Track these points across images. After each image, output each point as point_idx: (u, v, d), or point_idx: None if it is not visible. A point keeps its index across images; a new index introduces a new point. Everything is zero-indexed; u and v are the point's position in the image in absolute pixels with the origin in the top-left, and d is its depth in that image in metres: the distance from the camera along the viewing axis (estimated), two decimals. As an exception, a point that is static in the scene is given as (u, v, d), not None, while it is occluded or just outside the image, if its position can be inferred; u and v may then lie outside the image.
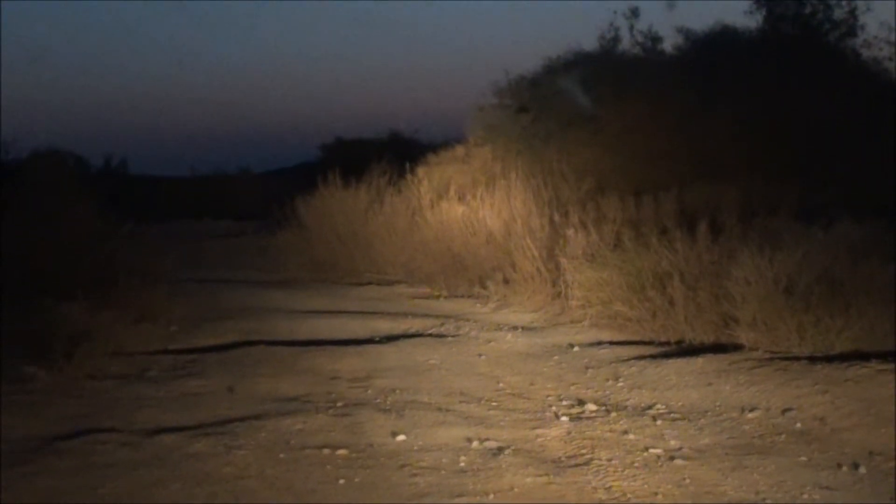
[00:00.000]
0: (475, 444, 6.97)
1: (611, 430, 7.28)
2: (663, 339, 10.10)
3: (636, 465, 6.52)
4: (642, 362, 9.28)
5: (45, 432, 7.24)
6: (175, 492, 6.04)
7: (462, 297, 13.65)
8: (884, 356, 8.45)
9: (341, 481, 6.25)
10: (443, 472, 6.43)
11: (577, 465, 6.53)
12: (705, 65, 17.05)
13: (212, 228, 23.41)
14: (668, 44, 19.58)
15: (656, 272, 10.53)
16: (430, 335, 10.91)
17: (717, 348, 9.49)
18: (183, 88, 60.78)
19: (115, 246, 12.26)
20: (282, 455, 6.76)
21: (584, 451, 6.80)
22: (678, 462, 6.54)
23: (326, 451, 6.82)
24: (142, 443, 6.96)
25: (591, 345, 10.21)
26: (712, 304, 9.87)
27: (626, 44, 19.87)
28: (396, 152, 19.69)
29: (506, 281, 13.07)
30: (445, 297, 13.81)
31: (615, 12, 19.77)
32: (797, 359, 8.84)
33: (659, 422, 7.46)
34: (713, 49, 17.97)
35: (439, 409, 7.88)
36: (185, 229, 22.44)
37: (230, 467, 6.49)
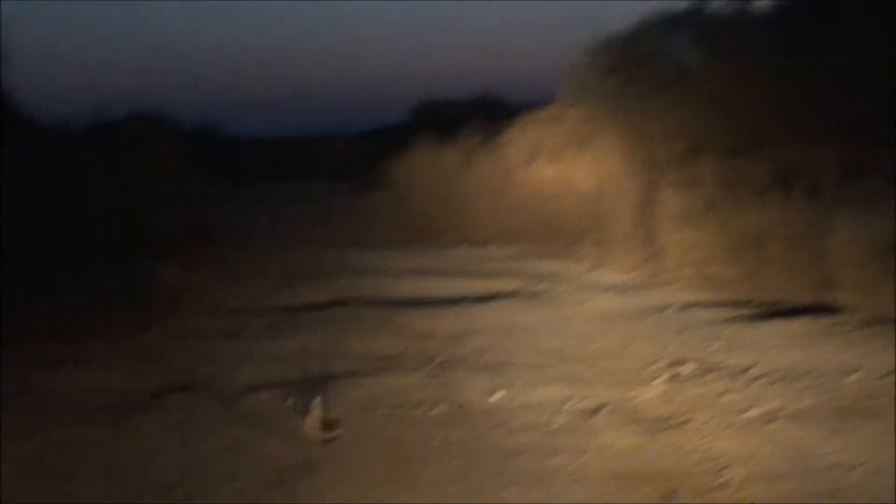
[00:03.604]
0: (571, 403, 6.94)
1: (708, 392, 7.20)
2: (760, 300, 9.97)
3: (733, 426, 6.44)
4: (739, 323, 9.18)
5: (148, 387, 7.36)
6: (273, 447, 6.10)
7: (556, 257, 13.60)
8: None
9: (438, 438, 6.26)
10: (538, 431, 6.42)
11: (673, 426, 6.47)
12: (803, 22, 16.70)
13: (305, 189, 23.54)
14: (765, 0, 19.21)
15: (753, 233, 10.40)
16: (524, 295, 10.90)
17: (816, 310, 9.35)
18: (276, 51, 61.10)
19: (210, 206, 12.39)
20: (378, 412, 6.79)
21: (680, 412, 6.73)
22: (776, 424, 6.45)
23: (423, 408, 6.84)
24: (240, 399, 7.04)
25: (687, 306, 10.11)
26: (810, 265, 9.73)
27: (721, 1, 19.53)
28: (487, 113, 19.63)
29: (600, 241, 13.01)
30: (539, 258, 13.76)
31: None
32: (897, 322, 8.69)
33: (756, 383, 7.36)
34: (812, 5, 17.58)
35: (534, 369, 7.86)
36: (278, 190, 22.61)
37: (328, 423, 6.54)
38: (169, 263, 10.08)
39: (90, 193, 10.89)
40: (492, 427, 6.50)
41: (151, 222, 10.76)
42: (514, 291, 11.11)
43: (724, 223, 10.74)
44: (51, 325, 8.78)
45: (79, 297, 9.00)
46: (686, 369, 7.79)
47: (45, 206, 10.45)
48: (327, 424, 6.35)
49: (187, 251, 10.59)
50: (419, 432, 6.40)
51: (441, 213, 16.37)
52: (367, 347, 8.61)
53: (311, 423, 6.38)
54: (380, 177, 17.91)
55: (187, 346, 8.71)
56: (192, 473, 5.66)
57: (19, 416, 6.61)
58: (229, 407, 6.81)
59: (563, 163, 15.49)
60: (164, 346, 8.69)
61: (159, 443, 6.17)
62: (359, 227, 16.92)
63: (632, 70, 16.93)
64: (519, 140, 17.06)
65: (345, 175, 23.87)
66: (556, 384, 7.42)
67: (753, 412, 6.67)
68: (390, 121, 33.70)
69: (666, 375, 7.64)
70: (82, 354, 8.27)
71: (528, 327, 9.38)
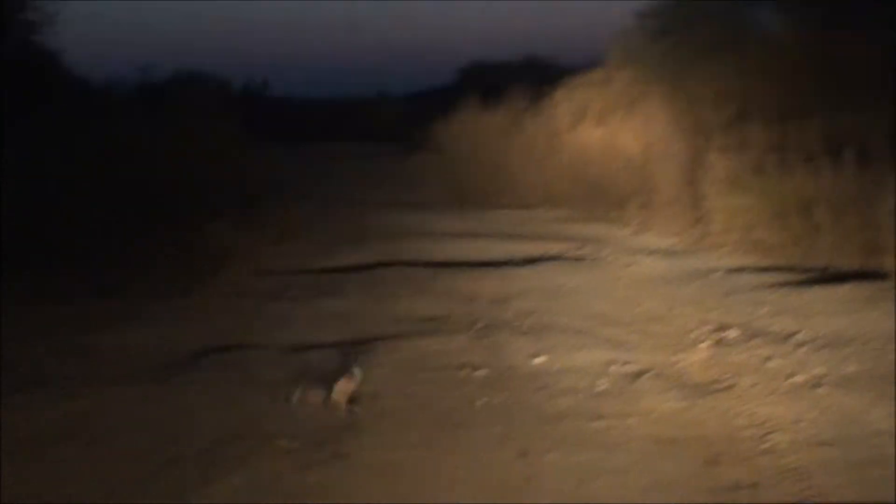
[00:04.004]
0: (614, 367, 6.93)
1: (753, 357, 7.16)
2: (807, 265, 9.90)
3: (779, 391, 6.41)
4: (785, 289, 9.12)
5: (194, 347, 7.41)
6: (317, 408, 6.13)
7: (601, 220, 13.56)
8: None
9: (481, 401, 6.28)
10: (581, 394, 6.41)
11: (718, 391, 6.45)
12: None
13: (351, 151, 23.58)
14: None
15: (801, 198, 10.31)
16: (569, 258, 10.88)
17: (863, 276, 9.27)
18: (323, 13, 61.16)
19: (256, 167, 12.43)
20: (421, 374, 6.81)
21: (725, 377, 6.70)
22: (822, 390, 6.41)
23: (466, 371, 6.85)
24: (285, 359, 7.07)
25: (733, 270, 10.06)
26: (858, 231, 9.64)
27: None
28: (534, 75, 19.55)
29: (645, 205, 12.95)
30: (584, 221, 13.72)
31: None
32: (946, 288, 8.61)
33: (802, 349, 7.32)
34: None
35: (578, 332, 7.85)
36: (324, 151, 22.65)
37: (370, 385, 6.55)
38: (215, 224, 10.12)
39: (138, 154, 10.95)
40: (535, 390, 6.50)
41: (198, 183, 10.79)
42: (558, 254, 11.09)
43: (771, 188, 10.66)
44: (97, 284, 8.85)
45: (125, 256, 9.06)
46: (731, 334, 7.75)
47: (93, 167, 10.52)
48: (352, 399, 6.32)
49: (234, 212, 10.61)
50: (462, 395, 6.41)
51: (487, 175, 16.35)
52: (411, 309, 8.62)
53: (338, 395, 6.35)
54: (426, 139, 17.89)
55: (232, 306, 8.76)
56: (236, 432, 5.71)
57: (63, 375, 6.67)
58: (276, 367, 6.84)
59: (610, 126, 15.43)
60: (210, 305, 8.74)
61: (204, 402, 6.22)
62: (404, 188, 16.93)
63: (681, 33, 16.79)
64: (566, 103, 16.99)
65: (391, 137, 23.89)
66: (599, 348, 7.41)
67: (799, 378, 6.64)
68: (437, 83, 33.70)
69: (710, 340, 7.62)
70: (128, 313, 8.34)
71: (572, 290, 9.37)
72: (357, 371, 6.49)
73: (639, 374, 6.76)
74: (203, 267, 9.19)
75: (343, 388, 6.31)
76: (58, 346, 7.39)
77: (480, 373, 6.82)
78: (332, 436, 5.66)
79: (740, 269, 10.07)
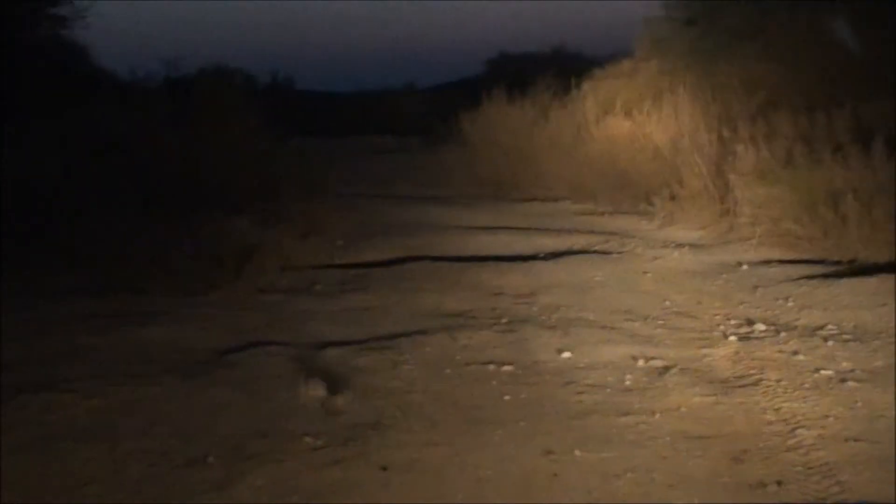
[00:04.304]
0: (641, 362, 6.91)
1: (780, 351, 7.13)
2: (835, 258, 9.83)
3: (806, 386, 6.38)
4: (813, 282, 9.06)
5: (217, 344, 7.42)
6: (342, 405, 6.13)
7: (627, 213, 13.51)
8: None
9: (507, 397, 6.27)
10: (608, 390, 6.40)
11: (745, 386, 6.42)
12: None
13: (376, 144, 23.60)
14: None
15: (829, 189, 10.23)
16: (595, 252, 10.84)
17: (892, 268, 9.19)
18: (350, 5, 61.17)
19: (281, 161, 12.44)
20: (447, 370, 6.80)
21: (752, 372, 6.68)
22: (850, 384, 6.37)
23: (492, 367, 6.84)
24: (310, 356, 7.07)
25: (760, 263, 10.00)
26: (887, 222, 9.57)
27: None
28: (561, 67, 19.50)
29: (672, 197, 12.89)
30: (611, 214, 13.68)
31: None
32: (977, 281, 8.53)
33: (830, 343, 7.27)
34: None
35: (604, 327, 7.83)
36: (349, 145, 22.67)
37: (396, 382, 6.56)
38: (240, 218, 10.14)
39: (163, 148, 10.98)
40: (561, 385, 6.49)
41: (223, 177, 10.81)
42: (585, 248, 11.06)
43: (800, 179, 10.59)
44: (121, 279, 8.88)
45: (149, 251, 9.08)
46: (758, 328, 7.72)
47: (119, 161, 10.55)
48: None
49: (259, 206, 10.63)
50: (488, 391, 6.41)
51: (513, 168, 16.32)
52: (438, 304, 8.61)
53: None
54: (452, 131, 17.87)
55: (257, 303, 8.77)
56: (261, 431, 5.71)
57: (85, 374, 6.68)
58: (299, 364, 6.85)
59: (638, 117, 15.37)
60: (234, 302, 8.75)
61: (227, 400, 6.22)
62: (430, 181, 16.90)
63: (708, 22, 16.73)
64: (593, 94, 16.95)
65: (417, 129, 23.84)
66: (626, 342, 7.39)
67: (826, 372, 6.60)
68: (464, 75, 33.63)
69: (737, 334, 7.58)
70: (151, 310, 8.35)
71: (598, 284, 9.34)
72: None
73: (665, 370, 6.74)
74: (227, 263, 9.19)
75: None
76: (78, 344, 7.40)
77: (506, 368, 6.81)
78: (357, 433, 5.66)
79: (768, 262, 10.01)
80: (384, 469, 5.15)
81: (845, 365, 6.74)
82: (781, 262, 9.99)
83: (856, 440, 5.45)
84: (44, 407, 6.06)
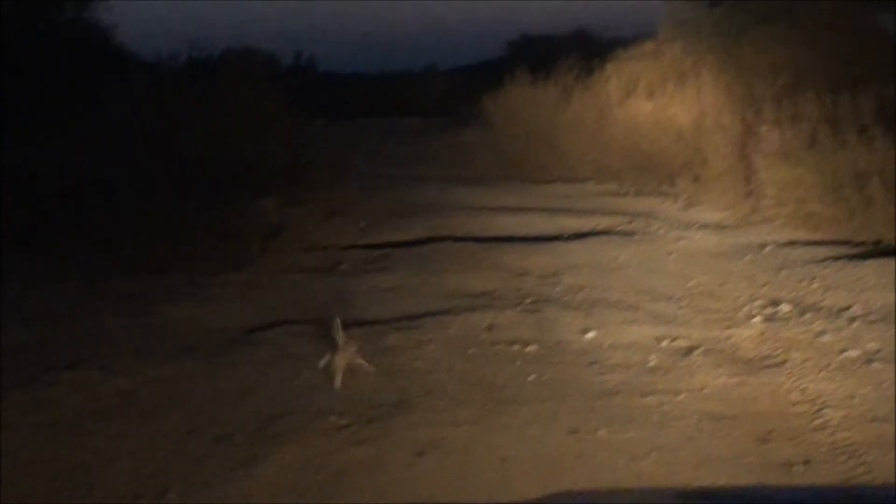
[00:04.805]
0: (665, 342, 6.90)
1: (805, 332, 7.11)
2: (860, 239, 9.78)
3: (832, 367, 6.36)
4: (838, 263, 9.02)
5: (243, 324, 7.45)
6: (367, 384, 6.15)
7: (651, 194, 13.45)
8: None
9: (531, 377, 6.27)
10: (632, 370, 6.39)
11: (770, 367, 6.41)
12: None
13: (399, 125, 23.55)
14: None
15: (854, 171, 10.17)
16: (619, 233, 10.81)
17: (917, 250, 9.16)
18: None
19: (305, 142, 12.44)
20: (471, 350, 6.81)
21: (777, 352, 6.66)
22: (876, 365, 6.35)
23: (516, 347, 6.84)
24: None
25: (785, 244, 9.96)
26: (913, 204, 9.52)
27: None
28: (583, 48, 19.40)
29: (696, 179, 12.83)
30: (634, 195, 13.64)
31: None
32: None
33: (856, 324, 7.24)
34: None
35: (628, 308, 7.81)
36: (372, 126, 22.63)
37: (420, 361, 6.57)
38: (265, 199, 10.15)
39: (188, 129, 10.99)
40: (585, 366, 6.49)
41: (248, 158, 10.81)
42: (608, 229, 11.03)
43: (824, 161, 10.52)
44: (148, 260, 8.91)
45: (176, 232, 9.11)
46: (783, 309, 7.69)
47: (144, 143, 10.57)
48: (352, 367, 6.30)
49: (283, 187, 10.63)
50: (513, 371, 6.41)
51: (536, 149, 16.25)
52: (462, 285, 8.61)
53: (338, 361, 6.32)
54: (475, 113, 17.82)
55: (283, 283, 8.79)
56: (286, 409, 5.74)
57: (113, 353, 6.72)
58: (324, 343, 6.86)
59: (661, 99, 15.30)
60: (260, 281, 8.78)
61: (253, 379, 6.26)
62: (454, 163, 16.85)
63: (732, 4, 16.63)
64: (616, 75, 16.87)
65: (440, 111, 23.78)
66: (650, 323, 7.38)
67: (851, 353, 6.58)
68: (486, 56, 33.53)
69: (762, 315, 7.56)
70: (177, 290, 8.40)
71: (622, 265, 9.32)
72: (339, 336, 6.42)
73: (690, 350, 6.73)
74: (252, 243, 9.22)
75: (342, 356, 6.28)
76: (105, 323, 7.45)
77: (531, 348, 6.82)
78: (382, 412, 5.68)
79: (792, 244, 9.97)
80: (419, 454, 5.15)
81: (871, 346, 6.71)
82: (806, 243, 9.95)
83: (882, 420, 5.44)
84: (72, 385, 6.11)
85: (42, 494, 4.73)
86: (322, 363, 6.27)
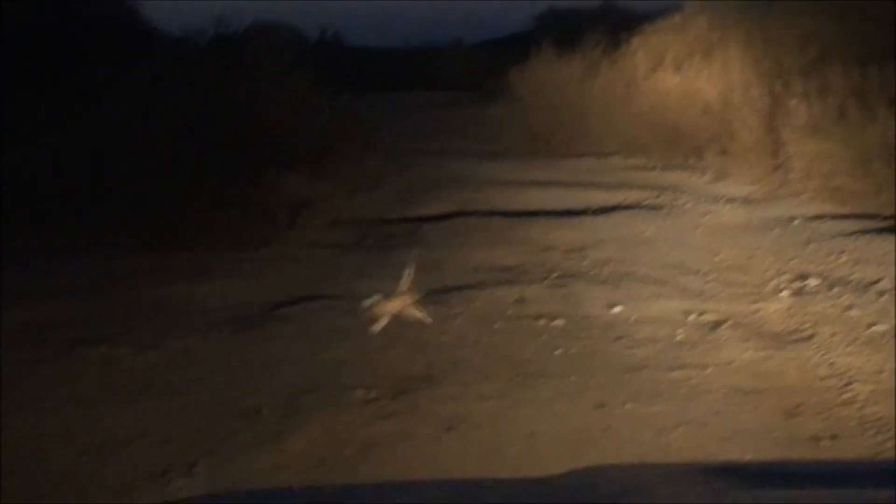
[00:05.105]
0: (692, 317, 6.88)
1: (833, 306, 7.08)
2: (889, 213, 9.71)
3: (860, 341, 6.33)
4: (867, 237, 8.97)
5: (269, 299, 7.47)
6: (394, 358, 6.16)
7: (678, 168, 13.41)
8: None
9: (557, 351, 6.27)
10: (659, 344, 6.38)
11: (797, 341, 6.38)
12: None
13: (426, 100, 23.52)
14: None
15: (883, 144, 10.11)
16: (646, 207, 10.78)
17: (946, 223, 9.10)
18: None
19: (331, 117, 12.43)
20: (498, 324, 6.81)
21: (805, 327, 6.63)
22: (904, 340, 6.32)
23: (542, 321, 6.84)
24: (362, 310, 7.09)
25: (813, 218, 9.91)
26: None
27: None
28: (610, 22, 19.33)
29: (723, 152, 12.78)
30: (661, 169, 13.59)
31: None
32: None
33: (884, 298, 7.20)
34: None
35: (655, 282, 7.79)
36: (398, 101, 22.62)
37: (447, 336, 6.57)
38: (291, 174, 10.16)
39: (213, 105, 11.00)
40: (612, 340, 6.48)
41: (274, 133, 10.82)
42: (636, 203, 11.00)
43: (852, 134, 10.46)
44: (175, 236, 8.94)
45: (201, 208, 9.14)
46: (811, 283, 7.66)
47: (171, 119, 10.59)
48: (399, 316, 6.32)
49: (310, 162, 10.63)
50: (539, 345, 6.41)
51: (563, 123, 16.21)
52: (488, 259, 8.61)
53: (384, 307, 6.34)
54: (501, 87, 17.80)
55: (309, 258, 8.81)
56: (314, 383, 5.75)
57: (142, 328, 6.76)
58: (351, 318, 6.88)
59: (688, 72, 15.23)
60: (286, 256, 8.80)
61: (280, 353, 6.27)
62: (480, 137, 16.83)
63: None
64: (643, 49, 16.80)
65: (466, 85, 23.76)
66: (677, 297, 7.36)
67: (880, 327, 6.55)
68: (513, 30, 33.44)
69: (790, 289, 7.53)
70: (204, 265, 8.42)
71: (649, 239, 9.30)
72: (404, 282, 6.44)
73: (717, 324, 6.71)
74: (279, 218, 9.24)
75: (397, 301, 6.30)
76: (133, 299, 7.48)
77: (557, 322, 6.81)
78: (409, 386, 5.69)
79: (820, 217, 9.92)
80: (447, 428, 5.16)
81: (899, 320, 6.68)
82: (834, 216, 9.89)
83: (910, 395, 5.42)
84: (100, 360, 6.14)
85: (70, 469, 4.76)
86: (367, 303, 6.28)
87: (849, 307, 7.01)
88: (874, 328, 6.53)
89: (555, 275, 8.06)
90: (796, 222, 9.79)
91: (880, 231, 9.14)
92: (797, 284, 7.65)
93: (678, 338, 6.49)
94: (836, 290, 7.45)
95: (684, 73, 15.31)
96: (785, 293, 7.43)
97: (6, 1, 12.97)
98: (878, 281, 7.61)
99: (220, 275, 8.15)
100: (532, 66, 17.36)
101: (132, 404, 5.48)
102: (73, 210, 9.45)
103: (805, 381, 5.69)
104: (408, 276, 6.39)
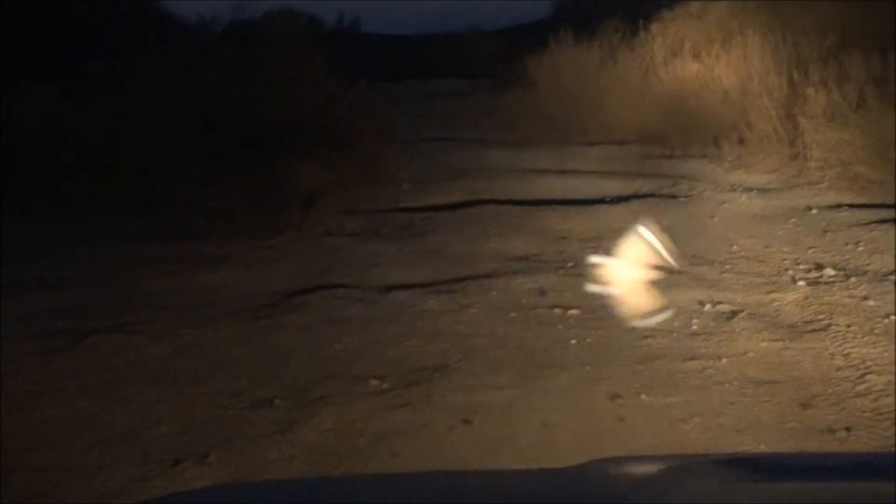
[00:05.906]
0: (708, 306, 6.86)
1: (850, 296, 7.04)
2: (906, 202, 9.66)
3: (876, 331, 6.30)
4: (884, 226, 8.92)
5: (283, 288, 7.47)
6: (408, 348, 6.16)
7: (695, 156, 13.35)
8: None
9: (573, 341, 6.26)
10: (674, 334, 6.36)
11: (813, 331, 6.36)
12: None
13: (442, 87, 23.47)
14: None
15: (901, 133, 10.05)
16: (662, 196, 10.73)
17: (964, 213, 9.05)
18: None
19: (348, 105, 12.41)
20: (513, 314, 6.80)
21: (821, 317, 6.60)
22: (921, 330, 6.29)
23: (558, 310, 6.83)
24: (376, 299, 7.10)
25: (830, 207, 9.85)
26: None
27: None
28: (628, 9, 19.27)
29: (741, 141, 12.72)
30: (678, 157, 13.54)
31: None
32: None
33: (901, 288, 7.17)
34: None
35: (671, 271, 7.76)
36: (415, 88, 22.58)
37: (462, 325, 6.57)
38: (306, 162, 10.16)
39: (228, 93, 11.00)
40: (628, 329, 6.46)
41: (288, 122, 10.82)
42: (652, 191, 10.94)
43: (871, 123, 10.40)
44: (187, 224, 8.95)
45: (215, 196, 9.15)
46: (827, 273, 7.62)
47: (184, 107, 10.59)
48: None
49: (324, 151, 10.63)
50: (554, 335, 6.40)
51: (580, 111, 16.15)
52: (503, 248, 8.59)
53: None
54: (519, 74, 17.74)
55: (323, 247, 8.80)
56: (327, 373, 5.76)
57: (154, 317, 6.76)
58: (366, 307, 6.88)
59: (706, 59, 15.16)
60: (300, 245, 8.79)
61: (294, 343, 6.28)
62: (496, 125, 16.78)
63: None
64: (661, 36, 16.74)
65: (483, 72, 23.69)
66: (693, 287, 7.33)
67: (896, 318, 6.52)
68: (530, 17, 33.36)
69: (806, 279, 7.49)
70: (218, 254, 8.43)
71: (665, 228, 9.24)
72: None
73: (733, 314, 6.69)
74: (293, 207, 9.24)
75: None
76: (146, 288, 7.50)
77: (572, 312, 6.79)
78: (423, 376, 5.68)
79: (837, 207, 9.86)
80: (460, 418, 5.15)
81: (917, 310, 6.65)
82: (851, 206, 9.83)
83: (926, 387, 5.39)
84: (113, 350, 6.15)
85: (81, 459, 4.77)
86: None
87: (865, 297, 6.98)
88: (891, 319, 6.50)
89: (570, 264, 8.04)
90: (813, 211, 9.74)
91: (898, 220, 9.09)
92: (814, 274, 7.61)
93: (693, 328, 6.47)
94: (852, 280, 7.41)
95: (702, 61, 15.23)
96: (801, 283, 7.39)
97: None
98: (894, 271, 7.56)
99: (233, 264, 8.15)
100: (550, 53, 17.30)
101: (145, 394, 5.49)
102: (86, 198, 9.47)
103: (820, 372, 5.67)
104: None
